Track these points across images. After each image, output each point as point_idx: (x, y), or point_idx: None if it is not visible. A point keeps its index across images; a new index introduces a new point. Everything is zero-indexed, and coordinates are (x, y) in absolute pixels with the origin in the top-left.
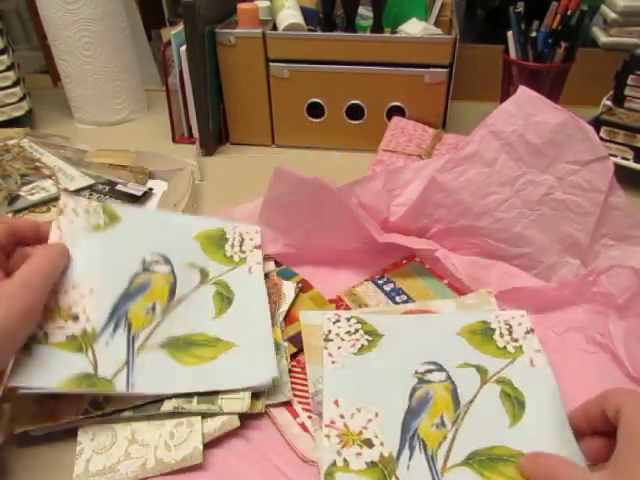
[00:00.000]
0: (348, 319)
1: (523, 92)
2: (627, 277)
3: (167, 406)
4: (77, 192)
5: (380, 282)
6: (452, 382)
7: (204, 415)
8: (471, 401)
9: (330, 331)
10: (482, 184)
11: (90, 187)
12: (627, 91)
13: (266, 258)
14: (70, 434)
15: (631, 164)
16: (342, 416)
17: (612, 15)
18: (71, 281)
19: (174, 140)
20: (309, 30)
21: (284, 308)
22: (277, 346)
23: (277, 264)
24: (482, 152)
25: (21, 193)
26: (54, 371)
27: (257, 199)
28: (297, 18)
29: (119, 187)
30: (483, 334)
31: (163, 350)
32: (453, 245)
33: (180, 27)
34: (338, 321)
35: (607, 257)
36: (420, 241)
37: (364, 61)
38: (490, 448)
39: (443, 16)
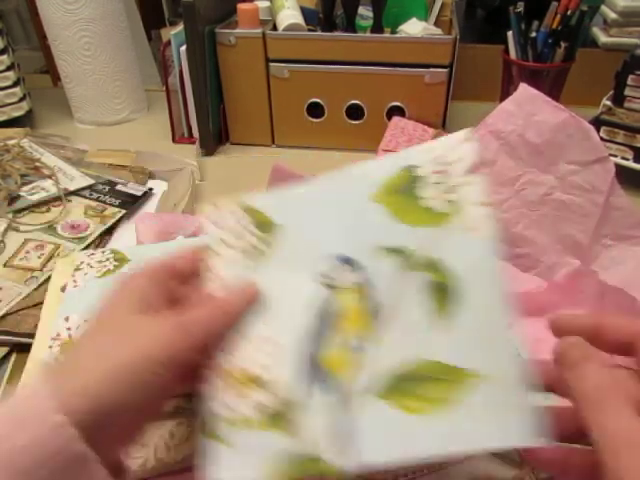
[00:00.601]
0: (233, 212)
1: (524, 90)
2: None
3: (167, 406)
4: (77, 192)
5: None
6: (368, 283)
7: None
8: (392, 307)
9: (222, 240)
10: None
11: (90, 187)
12: (627, 91)
13: None
14: None
15: (631, 164)
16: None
17: (612, 15)
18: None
19: (174, 140)
20: (309, 30)
21: None
22: None
23: None
24: (482, 152)
25: (21, 193)
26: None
27: None
28: (297, 18)
29: (119, 187)
30: (406, 192)
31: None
32: None
33: (180, 27)
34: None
35: (607, 257)
36: None
37: (364, 61)
38: (416, 367)
39: (443, 16)
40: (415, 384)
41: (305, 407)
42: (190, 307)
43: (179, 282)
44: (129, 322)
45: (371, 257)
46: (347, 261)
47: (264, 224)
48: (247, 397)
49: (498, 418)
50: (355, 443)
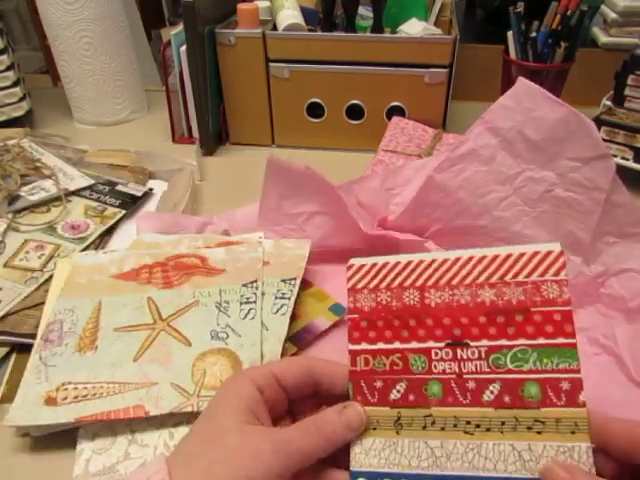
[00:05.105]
0: None
1: (522, 84)
2: None
3: None
4: (77, 192)
5: None
6: None
7: None
8: None
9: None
10: (480, 183)
11: (90, 187)
12: (627, 91)
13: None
14: (70, 434)
15: (631, 164)
16: None
17: (612, 15)
18: None
19: (174, 140)
20: (309, 30)
21: None
22: None
23: None
24: (479, 150)
25: (21, 193)
26: None
27: (257, 201)
28: (297, 18)
29: (119, 187)
30: None
31: None
32: (453, 244)
33: (180, 27)
34: None
35: (611, 254)
36: (409, 235)
37: (364, 61)
38: None
39: (443, 16)
40: None
41: None
42: (295, 429)
43: (285, 394)
44: (235, 437)
45: None
46: None
47: None
48: None
49: None
50: None
